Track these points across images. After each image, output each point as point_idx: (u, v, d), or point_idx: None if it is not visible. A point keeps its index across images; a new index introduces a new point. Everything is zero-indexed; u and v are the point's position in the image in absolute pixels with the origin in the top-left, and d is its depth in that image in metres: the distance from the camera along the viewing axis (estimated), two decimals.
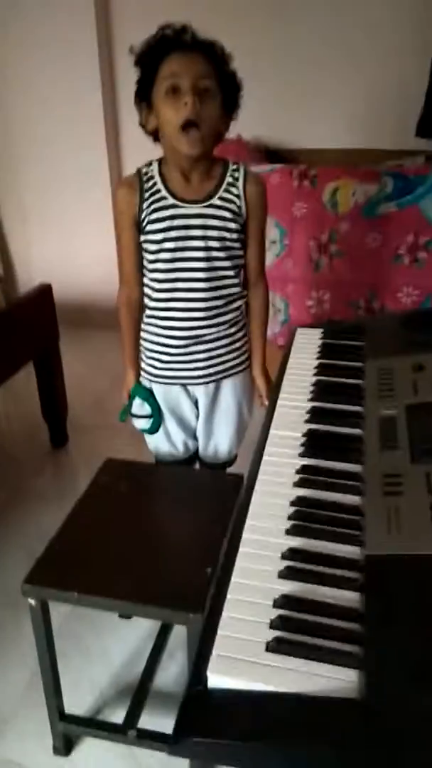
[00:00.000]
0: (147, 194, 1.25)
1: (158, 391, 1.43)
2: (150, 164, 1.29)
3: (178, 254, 1.27)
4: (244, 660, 0.62)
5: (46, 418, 2.31)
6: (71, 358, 2.42)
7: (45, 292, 2.10)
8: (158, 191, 1.25)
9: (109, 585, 1.08)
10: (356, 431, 0.98)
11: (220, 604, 0.70)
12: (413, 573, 0.69)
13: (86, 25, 2.74)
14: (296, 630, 0.65)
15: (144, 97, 1.21)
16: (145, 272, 1.33)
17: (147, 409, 1.44)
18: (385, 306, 2.23)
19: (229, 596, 0.70)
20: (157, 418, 1.44)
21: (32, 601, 1.10)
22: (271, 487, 0.88)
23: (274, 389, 1.17)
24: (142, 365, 1.44)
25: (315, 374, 1.19)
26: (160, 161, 1.28)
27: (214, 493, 1.31)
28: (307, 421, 1.03)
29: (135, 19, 2.75)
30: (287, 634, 0.65)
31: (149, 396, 1.43)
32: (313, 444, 0.96)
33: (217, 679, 0.61)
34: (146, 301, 1.37)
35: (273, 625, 0.66)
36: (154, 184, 1.26)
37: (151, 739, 1.25)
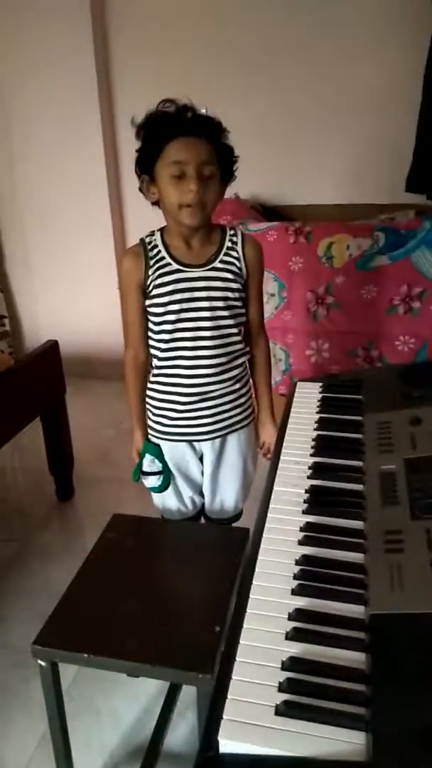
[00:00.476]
0: (152, 261, 1.31)
1: (165, 448, 1.47)
2: (152, 234, 1.35)
3: (183, 315, 1.32)
4: (254, 724, 0.64)
5: (53, 471, 2.33)
6: (76, 409, 2.46)
7: (52, 348, 2.16)
8: (162, 258, 1.31)
9: (118, 645, 1.09)
10: (357, 487, 1.01)
11: (229, 666, 0.72)
12: (417, 631, 0.71)
13: (90, 97, 2.89)
14: (304, 693, 0.67)
15: (146, 170, 1.28)
16: (151, 334, 1.38)
17: (158, 466, 1.47)
18: (383, 354, 2.28)
19: (237, 659, 0.72)
20: (167, 475, 1.47)
21: (42, 663, 1.11)
22: (277, 545, 0.90)
23: (276, 445, 1.20)
24: (150, 423, 1.47)
25: (316, 429, 1.22)
26: (162, 230, 1.35)
27: (221, 548, 1.33)
28: (310, 477, 1.06)
29: (137, 92, 2.90)
30: (296, 697, 0.66)
31: (159, 452, 1.46)
32: (316, 500, 0.99)
33: (228, 744, 0.63)
34: (153, 361, 1.41)
35: (281, 688, 0.68)
36: (159, 251, 1.32)
37: None
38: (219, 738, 0.63)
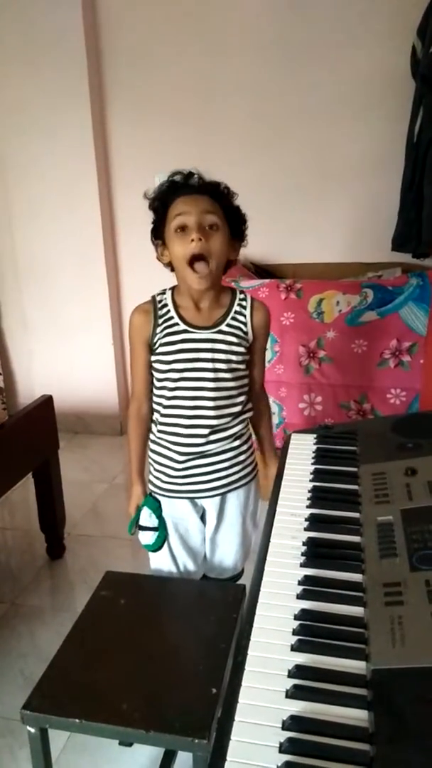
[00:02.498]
0: (161, 320, 1.34)
1: (165, 504, 1.45)
2: (164, 292, 1.38)
3: (185, 374, 1.34)
4: None
5: (44, 529, 2.29)
6: (68, 465, 2.44)
7: (46, 403, 2.16)
8: (171, 318, 1.34)
9: (111, 710, 1.05)
10: (355, 538, 1.00)
11: (227, 727, 0.69)
12: (421, 687, 0.69)
13: (88, 162, 3.01)
14: (306, 753, 0.64)
15: (158, 236, 1.34)
16: (154, 389, 1.40)
17: (154, 522, 1.45)
18: (375, 407, 2.30)
19: (236, 719, 0.70)
20: (162, 532, 1.45)
21: (31, 729, 1.06)
22: (275, 600, 0.88)
23: (272, 497, 1.20)
24: (151, 478, 1.47)
25: (311, 480, 1.22)
26: (173, 289, 1.38)
27: (217, 606, 1.30)
28: (307, 529, 1.05)
29: (133, 158, 3.04)
30: (297, 758, 0.64)
31: (159, 508, 1.45)
32: (313, 553, 0.98)
33: None
34: (155, 415, 1.42)
35: (282, 748, 0.65)
36: (168, 310, 1.35)
37: None
38: None
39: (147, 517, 1.45)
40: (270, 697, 0.72)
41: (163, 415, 1.39)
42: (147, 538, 1.46)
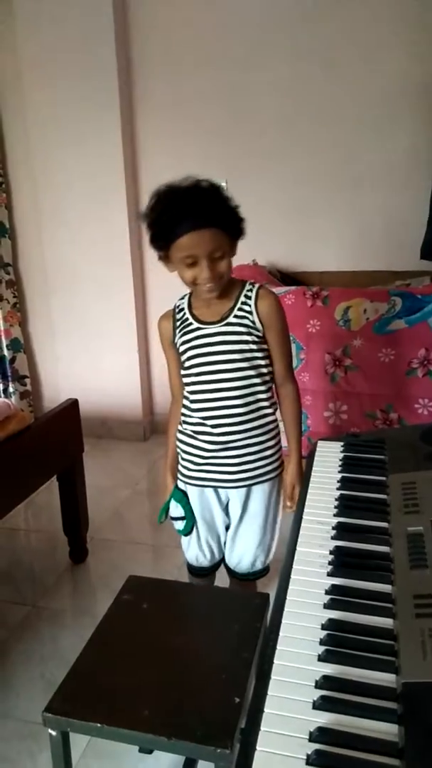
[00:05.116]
0: (178, 322, 1.46)
1: (192, 493, 1.52)
2: (183, 298, 1.49)
3: (203, 368, 1.42)
4: None
5: (67, 532, 2.30)
6: (92, 470, 2.44)
7: (72, 407, 2.17)
8: (186, 318, 1.45)
9: (133, 716, 1.04)
10: (384, 548, 0.98)
11: (253, 737, 0.68)
12: None
13: (116, 172, 3.04)
14: (334, 766, 0.62)
15: (160, 248, 1.35)
16: (183, 384, 1.50)
17: (181, 512, 1.54)
18: (402, 417, 2.27)
19: (262, 729, 0.68)
20: (189, 520, 1.54)
21: (53, 732, 1.06)
22: (301, 608, 0.87)
23: (298, 504, 1.18)
24: (179, 467, 1.56)
25: (338, 488, 1.20)
26: (191, 294, 1.47)
27: (241, 614, 1.28)
28: (334, 538, 1.03)
29: (160, 167, 3.06)
30: None
31: (182, 498, 1.53)
32: (341, 562, 0.96)
33: None
34: (183, 409, 1.51)
35: (309, 761, 0.63)
36: (184, 313, 1.46)
37: None
38: None
39: (173, 508, 1.56)
40: (297, 707, 0.70)
41: (190, 409, 1.47)
42: (177, 525, 1.58)
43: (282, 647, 0.80)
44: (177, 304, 1.49)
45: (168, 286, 3.42)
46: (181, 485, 1.56)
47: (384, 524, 1.04)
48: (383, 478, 1.20)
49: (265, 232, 2.99)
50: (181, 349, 1.45)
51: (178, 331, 1.46)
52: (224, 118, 2.93)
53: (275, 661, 0.78)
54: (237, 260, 2.79)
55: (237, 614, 1.30)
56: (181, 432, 1.53)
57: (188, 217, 1.27)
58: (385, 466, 1.25)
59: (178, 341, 1.45)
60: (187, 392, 1.48)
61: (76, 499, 2.24)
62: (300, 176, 2.90)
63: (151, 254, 3.41)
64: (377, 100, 2.71)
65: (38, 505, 2.70)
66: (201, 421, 1.46)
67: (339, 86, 2.74)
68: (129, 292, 3.21)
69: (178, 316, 1.47)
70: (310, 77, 2.77)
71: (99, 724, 1.02)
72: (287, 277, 2.86)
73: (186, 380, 1.47)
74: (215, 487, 1.51)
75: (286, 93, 2.82)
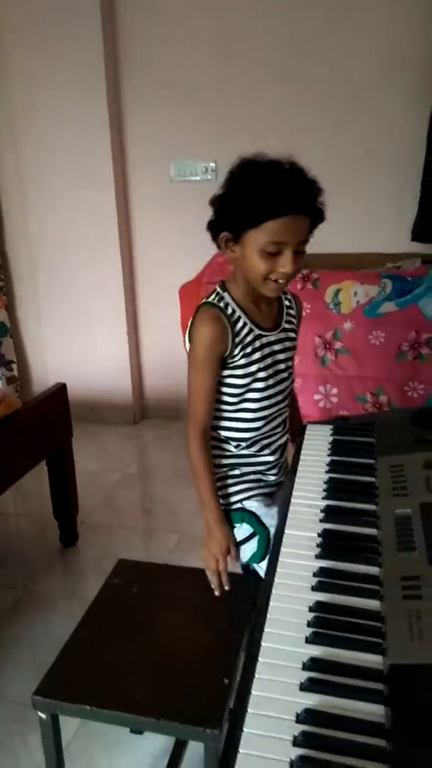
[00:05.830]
0: (237, 329, 1.21)
1: (254, 505, 1.33)
2: (220, 296, 1.22)
3: (271, 381, 1.26)
4: None
5: (57, 516, 2.29)
6: (82, 454, 2.44)
7: (60, 391, 2.16)
8: (244, 324, 1.22)
9: (123, 698, 1.04)
10: (372, 531, 0.98)
11: (240, 718, 0.68)
12: None
13: (102, 144, 2.99)
14: (321, 747, 0.63)
15: (230, 227, 1.14)
16: (225, 414, 1.27)
17: (247, 529, 1.30)
18: (392, 400, 2.27)
19: (249, 711, 0.68)
20: (262, 536, 1.28)
21: (42, 715, 1.06)
22: (289, 591, 0.87)
23: (287, 488, 1.18)
24: (242, 500, 1.33)
25: (327, 471, 1.20)
26: (227, 290, 1.23)
27: (230, 596, 1.29)
28: (322, 521, 1.03)
29: (148, 139, 3.01)
30: (311, 752, 0.62)
31: (243, 515, 1.31)
32: (329, 545, 0.96)
33: None
34: (229, 445, 1.31)
35: (296, 742, 0.64)
36: (238, 317, 1.22)
37: None
38: None
39: (238, 532, 1.31)
40: (284, 689, 0.70)
41: (245, 440, 1.29)
42: (248, 550, 1.30)
43: (269, 629, 0.80)
44: (222, 305, 1.21)
45: (157, 264, 3.38)
46: (249, 506, 1.32)
47: (372, 507, 1.04)
48: (372, 461, 1.20)
49: None
50: (243, 361, 1.21)
51: (238, 339, 1.20)
52: (212, 91, 2.86)
53: (263, 643, 0.78)
54: None
55: (227, 596, 1.31)
56: (232, 467, 1.32)
57: (290, 198, 1.09)
58: (374, 449, 1.25)
59: (240, 352, 1.21)
60: (239, 420, 1.27)
61: (66, 483, 2.24)
62: (292, 156, 2.86)
63: (139, 233, 3.34)
64: (368, 80, 2.67)
65: (28, 489, 2.69)
66: (266, 442, 1.31)
67: (330, 65, 2.70)
68: (117, 273, 3.18)
69: (233, 320, 1.20)
70: (301, 54, 2.72)
71: (88, 707, 1.02)
72: None
73: (239, 406, 1.25)
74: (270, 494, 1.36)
75: (275, 70, 2.77)
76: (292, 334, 1.32)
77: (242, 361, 1.22)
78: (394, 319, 2.20)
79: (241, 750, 0.64)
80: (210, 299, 1.22)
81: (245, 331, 1.22)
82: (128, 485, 2.82)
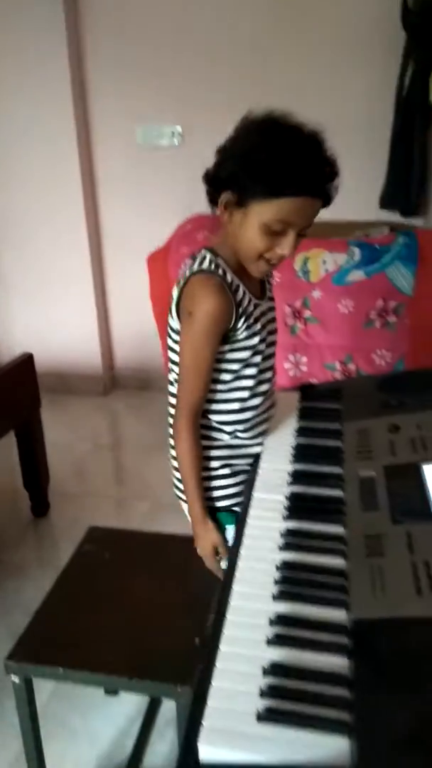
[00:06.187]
0: (238, 298, 1.09)
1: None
2: (215, 264, 1.07)
3: (268, 351, 1.18)
4: (235, 731, 0.62)
5: (27, 487, 2.29)
6: (51, 425, 2.42)
7: (27, 362, 2.13)
8: (243, 293, 1.10)
9: (95, 659, 1.06)
10: (337, 493, 1.00)
11: (209, 673, 0.70)
12: (399, 635, 0.71)
13: (64, 105, 2.90)
14: (286, 698, 0.65)
15: (234, 187, 1.01)
16: (217, 396, 1.15)
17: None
18: (360, 368, 2.31)
19: (217, 665, 0.71)
20: None
21: (15, 679, 1.07)
22: (257, 551, 0.89)
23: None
24: (221, 502, 1.20)
25: (295, 437, 1.22)
26: (217, 256, 1.08)
27: (201, 560, 1.31)
28: (290, 484, 1.06)
29: (112, 107, 2.93)
30: (277, 702, 0.65)
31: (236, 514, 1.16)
32: (296, 506, 0.98)
33: (208, 751, 0.61)
34: (222, 434, 1.17)
35: (263, 693, 0.66)
36: (237, 285, 1.09)
37: None
38: (199, 745, 0.61)
39: (230, 533, 1.18)
40: (251, 644, 0.73)
41: (244, 410, 1.17)
42: (231, 534, 1.18)
43: (238, 588, 0.82)
44: (224, 274, 1.07)
45: (124, 230, 3.30)
46: (221, 504, 1.20)
47: (338, 470, 1.07)
48: (338, 427, 1.22)
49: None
50: (246, 333, 1.10)
51: (241, 310, 1.08)
52: (178, 57, 2.78)
53: (231, 601, 0.80)
54: (195, 210, 2.74)
55: (198, 560, 1.33)
56: (229, 457, 1.19)
57: (313, 178, 1.00)
58: (341, 414, 1.27)
59: (244, 324, 1.09)
60: (236, 400, 1.16)
61: (35, 453, 2.23)
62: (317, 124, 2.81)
63: (104, 200, 3.26)
64: (337, 43, 2.63)
65: None
66: (262, 418, 1.20)
67: (296, 28, 2.64)
68: (83, 238, 3.10)
69: (233, 288, 1.08)
70: (266, 16, 2.65)
71: (61, 669, 1.04)
72: None
73: (236, 383, 1.14)
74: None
75: (241, 34, 2.70)
76: (273, 304, 1.23)
77: (245, 334, 1.11)
78: (362, 287, 2.21)
79: (209, 703, 0.66)
80: (205, 266, 1.07)
81: (246, 300, 1.10)
82: (99, 455, 2.82)
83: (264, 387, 1.19)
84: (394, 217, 2.65)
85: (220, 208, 1.05)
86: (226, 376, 1.14)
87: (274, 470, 1.11)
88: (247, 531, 0.94)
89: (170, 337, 1.16)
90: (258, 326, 1.13)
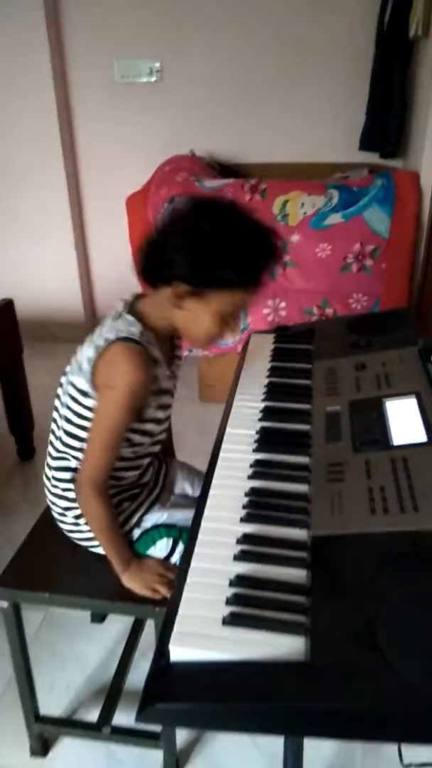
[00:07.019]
0: (157, 374, 1.09)
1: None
2: (143, 336, 1.04)
3: (165, 421, 1.19)
4: (202, 634, 0.69)
5: (13, 431, 2.34)
6: (35, 371, 2.45)
7: (7, 307, 2.14)
8: (161, 368, 1.10)
9: (80, 585, 1.13)
10: (304, 427, 1.06)
11: (181, 587, 0.77)
12: (353, 549, 0.77)
13: (38, 38, 2.80)
14: (249, 605, 0.72)
15: (197, 282, 0.99)
16: (128, 452, 1.14)
17: (163, 542, 1.17)
18: (337, 312, 2.34)
19: (189, 579, 0.77)
20: (176, 532, 1.18)
21: (4, 604, 1.15)
22: (228, 480, 0.95)
23: (230, 392, 1.25)
24: (134, 529, 1.20)
25: (268, 376, 1.27)
26: (143, 317, 1.08)
27: None
28: (261, 419, 1.11)
29: (86, 27, 2.82)
30: (241, 608, 0.72)
31: (151, 530, 1.20)
32: (265, 440, 1.04)
33: (178, 652, 0.68)
34: (119, 474, 1.16)
35: (228, 601, 0.73)
36: (157, 361, 1.09)
37: (126, 734, 1.30)
38: (170, 647, 0.68)
39: (163, 547, 1.18)
40: (219, 560, 0.79)
41: (139, 456, 1.18)
42: (161, 547, 1.18)
43: (209, 512, 0.88)
44: (146, 349, 1.04)
45: (103, 175, 3.22)
46: (150, 522, 1.20)
47: (306, 406, 1.12)
48: (309, 366, 1.27)
49: (204, 119, 2.85)
50: (152, 409, 1.11)
51: (154, 387, 1.09)
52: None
53: (202, 524, 0.86)
54: (174, 151, 2.69)
55: None
56: (124, 502, 1.19)
57: (272, 266, 1.04)
58: (312, 354, 1.32)
59: (153, 403, 1.10)
60: (147, 433, 1.14)
61: (19, 398, 2.26)
62: (239, 61, 2.74)
63: (82, 142, 3.17)
64: None
65: None
66: (149, 453, 1.20)
67: None
68: (62, 184, 3.04)
69: (154, 366, 1.07)
70: None
71: (47, 594, 1.11)
72: (227, 170, 2.78)
73: (134, 449, 1.14)
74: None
75: None
76: (176, 381, 1.19)
77: (152, 408, 1.10)
78: (339, 230, 2.22)
79: (180, 611, 0.73)
80: (134, 335, 1.03)
81: (161, 375, 1.10)
82: None
83: (156, 448, 1.21)
84: (374, 159, 2.64)
85: (171, 300, 1.02)
86: (125, 444, 1.11)
87: (246, 407, 1.16)
88: (220, 462, 1.00)
89: (70, 395, 1.15)
90: (165, 399, 1.13)
